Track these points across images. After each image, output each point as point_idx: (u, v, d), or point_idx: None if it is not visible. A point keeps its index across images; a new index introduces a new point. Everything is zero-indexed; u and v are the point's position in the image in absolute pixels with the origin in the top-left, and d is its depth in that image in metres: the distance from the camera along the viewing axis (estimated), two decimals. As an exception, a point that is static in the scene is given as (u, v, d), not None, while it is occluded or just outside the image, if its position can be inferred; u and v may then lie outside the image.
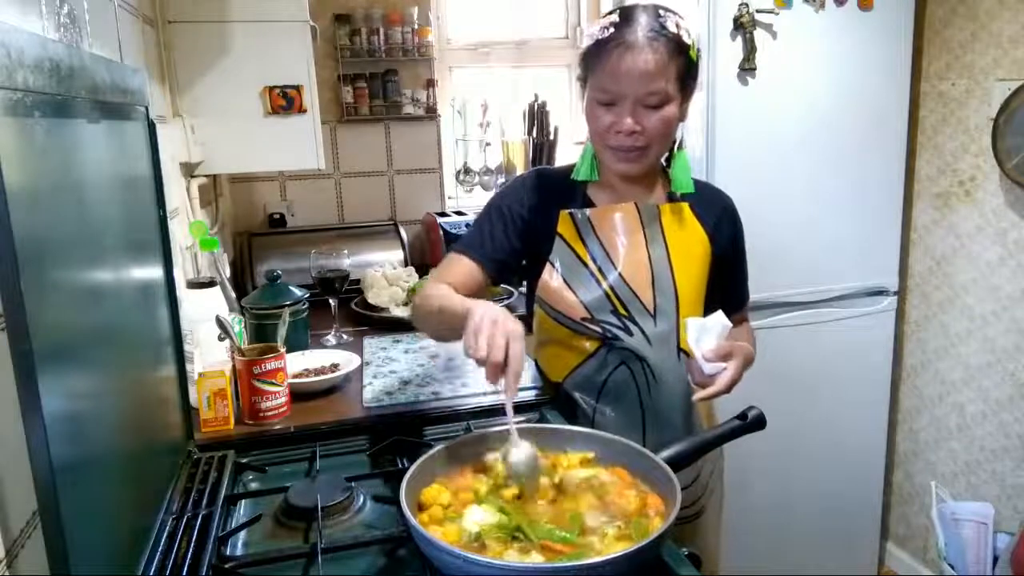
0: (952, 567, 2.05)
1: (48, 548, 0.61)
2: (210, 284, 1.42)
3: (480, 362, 0.95)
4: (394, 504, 0.99)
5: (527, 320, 1.30)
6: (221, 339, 1.32)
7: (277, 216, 2.56)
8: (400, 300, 2.04)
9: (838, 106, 2.11)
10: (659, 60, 1.15)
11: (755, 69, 2.00)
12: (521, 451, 0.97)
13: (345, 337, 1.86)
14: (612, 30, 1.18)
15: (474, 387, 1.48)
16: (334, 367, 1.54)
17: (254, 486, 1.16)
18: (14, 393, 0.59)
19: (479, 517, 0.89)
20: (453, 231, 2.43)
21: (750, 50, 1.99)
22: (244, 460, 1.19)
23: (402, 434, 1.26)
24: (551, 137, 2.66)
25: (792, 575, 2.30)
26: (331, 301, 1.89)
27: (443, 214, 2.60)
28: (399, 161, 2.68)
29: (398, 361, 1.66)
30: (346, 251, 1.94)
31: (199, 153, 1.77)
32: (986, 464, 2.20)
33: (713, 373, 1.13)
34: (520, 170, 2.67)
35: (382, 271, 2.11)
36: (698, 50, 1.23)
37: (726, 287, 1.36)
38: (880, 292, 2.29)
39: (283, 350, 1.34)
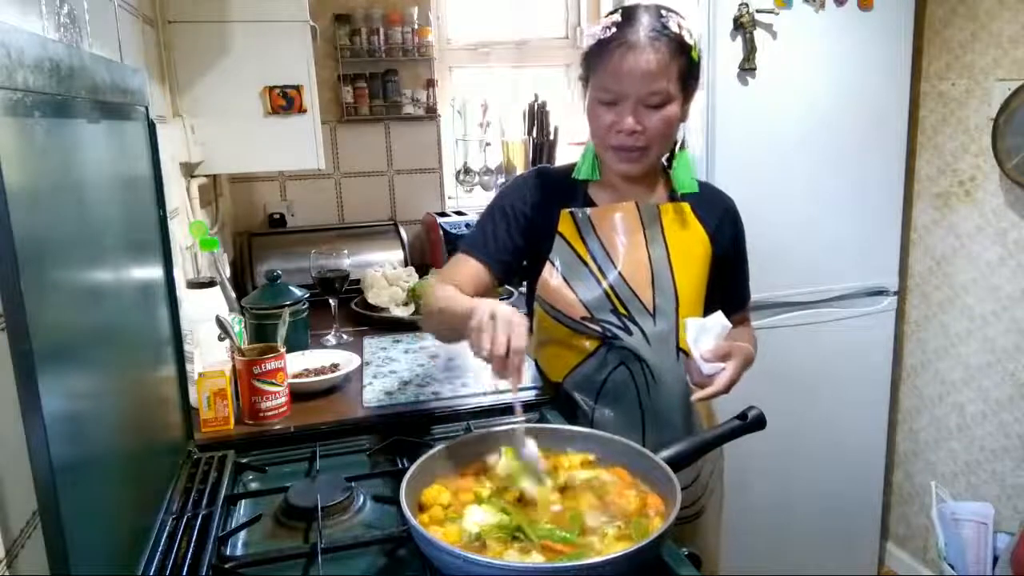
0: (952, 567, 2.05)
1: (48, 548, 0.61)
2: (210, 284, 1.42)
3: (486, 359, 0.95)
4: (394, 504, 1.00)
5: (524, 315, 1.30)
6: (221, 339, 1.33)
7: (277, 216, 2.56)
8: (400, 300, 2.04)
9: (838, 106, 2.11)
10: (661, 60, 1.15)
11: (755, 69, 2.00)
12: (529, 450, 0.98)
13: (345, 337, 1.86)
14: (614, 30, 1.18)
15: (474, 387, 1.48)
16: (334, 367, 1.54)
17: (254, 486, 1.16)
18: (14, 393, 0.59)
19: (479, 517, 0.89)
20: (453, 231, 2.43)
21: (750, 50, 1.99)
22: (244, 460, 1.19)
23: (402, 434, 1.26)
24: (551, 137, 2.66)
25: (792, 575, 2.30)
26: (331, 301, 1.89)
27: (443, 214, 2.60)
28: (399, 161, 2.68)
29: (398, 361, 1.66)
30: (346, 251, 1.94)
31: (199, 153, 1.77)
32: (986, 464, 2.20)
33: (712, 373, 1.13)
34: (520, 170, 2.67)
35: (382, 271, 2.11)
36: (699, 50, 1.23)
37: (727, 288, 1.36)
38: (880, 292, 2.29)
39: (283, 350, 1.34)
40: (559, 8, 2.83)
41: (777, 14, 1.99)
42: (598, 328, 1.26)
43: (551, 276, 1.28)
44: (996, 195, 2.08)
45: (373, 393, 1.46)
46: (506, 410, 1.35)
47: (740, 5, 1.96)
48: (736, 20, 1.97)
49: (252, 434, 1.29)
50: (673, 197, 1.33)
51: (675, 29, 1.17)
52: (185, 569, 0.89)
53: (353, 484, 1.08)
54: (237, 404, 1.34)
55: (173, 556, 0.91)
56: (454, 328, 1.10)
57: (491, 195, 2.71)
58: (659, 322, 1.27)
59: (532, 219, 1.30)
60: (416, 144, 2.68)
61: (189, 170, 1.77)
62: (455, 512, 0.91)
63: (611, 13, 1.24)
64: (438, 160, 2.71)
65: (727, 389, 1.14)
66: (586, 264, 1.28)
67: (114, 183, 0.93)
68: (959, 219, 2.20)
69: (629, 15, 1.19)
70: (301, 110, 1.84)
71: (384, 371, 1.59)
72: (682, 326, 1.22)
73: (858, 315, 2.25)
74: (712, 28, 1.97)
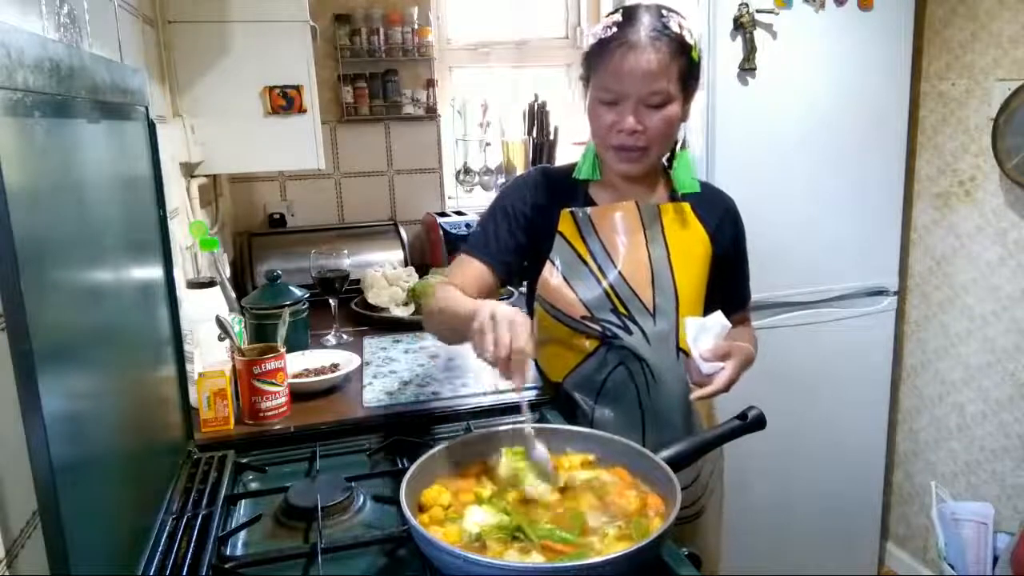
0: (952, 567, 2.05)
1: (48, 548, 0.61)
2: (210, 284, 1.42)
3: (489, 361, 0.96)
4: (394, 504, 1.00)
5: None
6: (221, 339, 1.32)
7: (277, 216, 2.56)
8: (400, 300, 2.04)
9: (838, 106, 2.11)
10: (661, 60, 1.16)
11: (755, 69, 2.00)
12: (540, 452, 0.98)
13: (345, 337, 1.86)
14: (615, 29, 1.18)
15: (474, 387, 1.48)
16: (334, 367, 1.54)
17: (254, 486, 1.16)
18: (14, 393, 0.59)
19: (479, 518, 0.89)
20: (453, 231, 2.43)
21: (750, 50, 1.99)
22: (244, 460, 1.19)
23: (402, 434, 1.26)
24: (551, 137, 2.66)
25: (792, 575, 2.30)
26: (331, 301, 1.89)
27: (443, 214, 2.60)
28: (399, 161, 2.68)
29: (398, 361, 1.66)
30: (346, 251, 1.94)
31: (199, 153, 1.77)
32: (986, 464, 2.20)
33: (711, 372, 1.14)
34: (520, 170, 2.67)
35: (382, 271, 2.11)
36: (699, 50, 1.23)
37: (727, 288, 1.36)
38: (880, 292, 2.29)
39: (283, 350, 1.34)
40: (559, 8, 2.83)
41: (777, 14, 1.99)
42: (598, 327, 1.26)
43: (551, 275, 1.28)
44: (996, 195, 2.08)
45: (373, 393, 1.46)
46: (506, 410, 1.35)
47: (740, 5, 1.96)
48: (736, 20, 1.97)
49: (252, 434, 1.29)
50: (674, 197, 1.33)
51: (676, 29, 1.18)
52: (185, 569, 0.89)
53: (353, 484, 1.08)
54: (237, 404, 1.34)
55: (173, 556, 0.91)
56: (456, 329, 1.10)
57: (491, 195, 2.72)
58: (659, 322, 1.27)
59: (533, 219, 1.30)
60: (416, 144, 2.68)
61: (189, 170, 1.77)
62: (455, 512, 0.91)
63: (612, 13, 1.24)
64: (438, 160, 2.71)
65: (726, 388, 1.14)
66: (586, 263, 1.28)
67: (114, 183, 0.93)
68: (959, 219, 2.20)
69: (630, 15, 1.19)
70: (301, 110, 1.84)
71: (384, 371, 1.59)
72: (682, 325, 1.23)
73: (858, 315, 2.25)
74: (712, 28, 1.97)
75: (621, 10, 1.21)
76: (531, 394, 1.36)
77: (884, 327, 2.33)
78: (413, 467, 0.94)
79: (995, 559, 2.00)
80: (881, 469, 2.44)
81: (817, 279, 2.19)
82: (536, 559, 0.81)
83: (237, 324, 1.42)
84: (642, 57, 1.15)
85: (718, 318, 1.16)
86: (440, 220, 2.48)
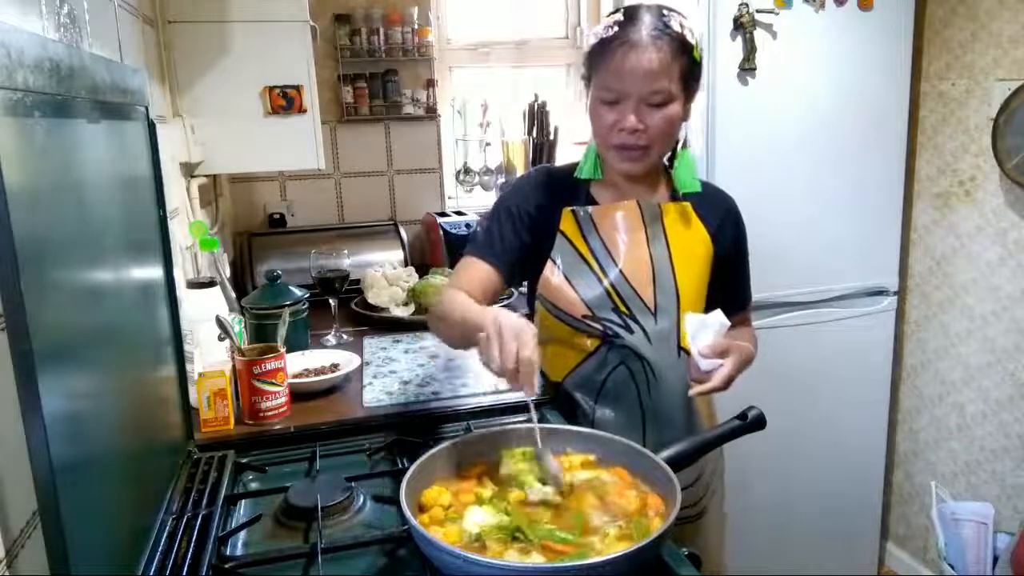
0: (952, 567, 2.05)
1: (48, 548, 0.61)
2: (210, 284, 1.42)
3: (497, 372, 0.96)
4: (394, 504, 1.00)
5: (529, 320, 1.30)
6: (221, 339, 1.32)
7: (277, 216, 2.56)
8: (400, 300, 2.04)
9: (838, 106, 2.11)
10: (663, 59, 1.16)
11: (755, 69, 2.00)
12: (551, 464, 0.97)
13: (345, 337, 1.86)
14: (616, 29, 1.18)
15: (474, 387, 1.48)
16: (334, 367, 1.54)
17: (254, 486, 1.15)
18: (14, 393, 0.59)
19: (479, 518, 0.89)
20: (453, 231, 2.43)
21: (750, 50, 1.99)
22: (244, 460, 1.19)
23: (402, 434, 1.26)
24: (551, 137, 2.66)
25: (792, 575, 2.30)
26: (331, 301, 1.89)
27: (443, 214, 2.60)
28: (399, 161, 2.68)
29: (398, 361, 1.66)
30: (346, 251, 1.94)
31: (199, 153, 1.77)
32: (986, 464, 2.20)
33: (709, 369, 1.14)
34: (520, 170, 2.67)
35: (382, 271, 2.11)
36: (701, 50, 1.23)
37: (728, 288, 1.36)
38: (880, 292, 2.29)
39: (283, 350, 1.34)
40: (559, 8, 2.83)
41: (777, 14, 1.99)
42: (599, 326, 1.26)
43: (552, 274, 1.28)
44: (996, 195, 2.08)
45: (373, 393, 1.46)
46: (506, 410, 1.35)
47: (740, 5, 1.96)
48: (736, 20, 1.97)
49: (252, 434, 1.28)
50: (675, 197, 1.33)
51: (677, 28, 1.18)
52: (185, 569, 0.89)
53: (353, 484, 1.08)
54: (237, 404, 1.34)
55: (173, 556, 0.91)
56: (463, 335, 1.11)
57: (491, 195, 2.72)
58: (660, 320, 1.27)
59: (536, 218, 1.30)
60: (416, 144, 2.68)
61: (189, 170, 1.77)
62: (455, 513, 0.91)
63: (613, 12, 1.24)
64: (438, 160, 2.71)
65: (725, 386, 1.14)
66: (587, 262, 1.28)
67: (114, 183, 0.93)
68: (959, 219, 2.20)
69: (631, 14, 1.19)
70: (301, 110, 1.84)
71: (384, 371, 1.59)
72: (683, 322, 1.22)
73: (858, 315, 2.25)
74: (712, 28, 1.97)
75: (622, 10, 1.21)
76: (521, 395, 1.35)
77: (884, 327, 2.33)
78: (413, 467, 0.94)
79: (995, 559, 2.00)
80: (881, 469, 2.44)
81: (817, 279, 2.19)
82: (536, 559, 0.81)
83: (237, 324, 1.42)
84: (643, 56, 1.15)
85: (718, 316, 1.16)
86: (440, 220, 2.48)
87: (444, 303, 1.20)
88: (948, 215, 2.23)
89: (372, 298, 2.04)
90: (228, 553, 0.94)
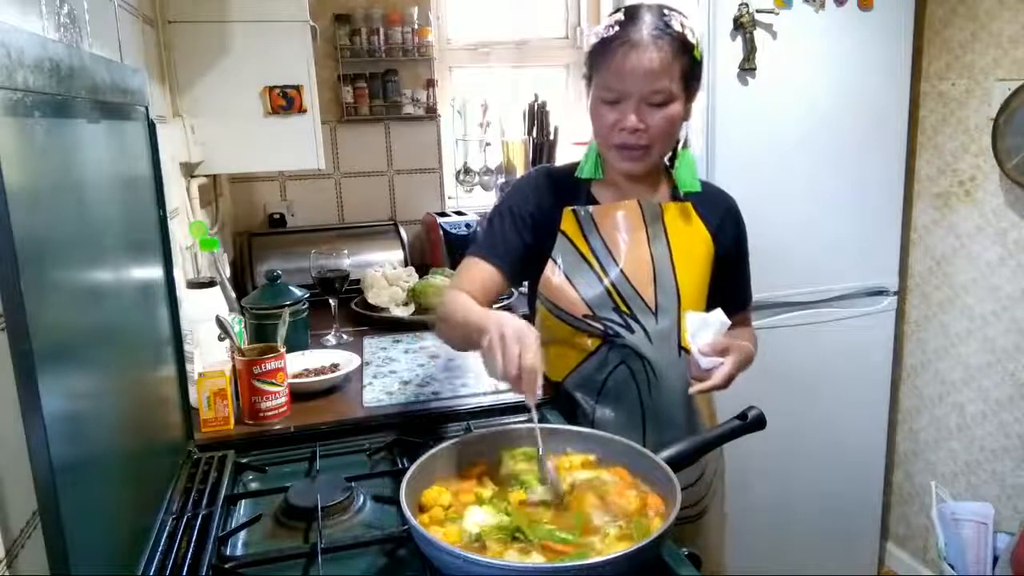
0: (952, 567, 2.05)
1: (48, 548, 0.61)
2: (210, 284, 1.42)
3: (500, 379, 0.96)
4: (394, 504, 1.00)
5: (529, 320, 1.31)
6: (221, 339, 1.32)
7: (277, 216, 2.56)
8: (400, 300, 2.04)
9: (838, 106, 2.11)
10: (663, 58, 1.16)
11: (755, 69, 2.00)
12: (550, 472, 0.97)
13: (345, 337, 1.86)
14: (617, 28, 1.18)
15: (474, 387, 1.48)
16: (334, 367, 1.54)
17: (254, 486, 1.15)
18: (14, 393, 0.59)
19: (479, 518, 0.89)
20: (453, 231, 2.43)
21: (750, 50, 1.99)
22: (244, 460, 1.19)
23: (402, 434, 1.26)
24: (551, 137, 2.66)
25: (792, 575, 2.30)
26: (331, 301, 1.89)
27: (443, 214, 2.60)
28: (399, 161, 2.68)
29: (398, 361, 1.66)
30: (346, 251, 1.94)
31: (199, 153, 1.77)
32: (986, 464, 2.20)
33: (709, 367, 1.14)
34: (520, 170, 2.67)
35: (382, 271, 2.11)
36: (701, 50, 1.23)
37: (728, 288, 1.36)
38: (880, 292, 2.29)
39: (283, 350, 1.34)
40: (559, 8, 2.83)
41: (777, 14, 1.99)
42: (600, 326, 1.26)
43: (553, 274, 1.28)
44: (996, 195, 2.08)
45: (373, 393, 1.46)
46: (506, 410, 1.35)
47: (740, 5, 1.96)
48: (736, 20, 1.97)
49: (252, 434, 1.28)
50: (676, 196, 1.33)
51: (678, 28, 1.18)
52: (185, 569, 0.89)
53: (353, 484, 1.08)
54: (237, 404, 1.34)
55: (173, 556, 0.91)
56: (464, 337, 1.11)
57: (491, 195, 2.72)
58: (661, 320, 1.27)
59: (537, 219, 1.30)
60: (416, 144, 2.68)
61: (189, 170, 1.77)
62: (455, 513, 0.91)
63: (614, 12, 1.24)
64: (438, 160, 2.71)
65: (725, 384, 1.14)
66: (588, 262, 1.28)
67: (114, 183, 0.93)
68: (959, 219, 2.20)
69: (632, 14, 1.19)
70: (301, 110, 1.84)
71: (384, 371, 1.59)
72: (683, 320, 1.23)
73: (858, 315, 2.25)
74: (712, 28, 1.97)
75: (623, 9, 1.21)
76: (521, 395, 1.36)
77: (884, 327, 2.33)
78: (413, 467, 0.94)
79: (995, 559, 2.00)
80: (881, 469, 2.44)
81: (817, 279, 2.19)
82: (536, 559, 0.81)
83: (237, 324, 1.42)
84: (644, 56, 1.15)
85: (719, 314, 1.16)
86: (440, 220, 2.48)
87: (446, 304, 1.20)
88: (948, 215, 2.23)
89: (372, 298, 2.04)
90: (228, 553, 0.94)
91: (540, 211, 1.30)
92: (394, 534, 0.95)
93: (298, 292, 1.70)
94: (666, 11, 1.20)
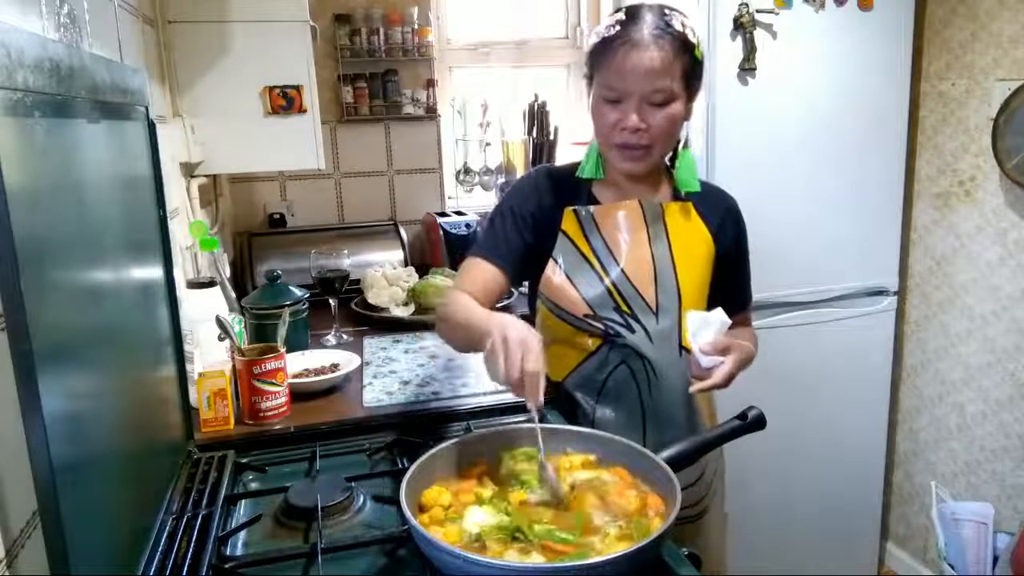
0: (952, 567, 2.05)
1: (48, 548, 0.61)
2: (210, 284, 1.42)
3: (503, 383, 0.96)
4: (394, 504, 1.00)
5: (530, 320, 1.31)
6: (221, 339, 1.32)
7: (277, 216, 2.56)
8: (400, 300, 2.04)
9: (838, 106, 2.11)
10: (664, 58, 1.16)
11: (755, 69, 2.00)
12: (550, 475, 0.97)
13: (345, 337, 1.86)
14: (618, 28, 1.18)
15: (474, 387, 1.48)
16: (334, 367, 1.54)
17: (254, 486, 1.15)
18: (14, 393, 0.59)
19: (479, 518, 0.89)
20: (453, 231, 2.43)
21: (750, 50, 1.99)
22: (244, 460, 1.19)
23: (402, 434, 1.26)
24: (551, 137, 2.66)
25: (792, 575, 2.30)
26: (331, 301, 1.89)
27: (443, 214, 2.60)
28: (399, 161, 2.68)
29: (398, 361, 1.66)
30: (346, 251, 1.94)
31: (199, 153, 1.77)
32: (986, 464, 2.20)
33: (710, 366, 1.14)
34: (520, 170, 2.67)
35: (382, 271, 2.11)
36: (702, 50, 1.23)
37: (729, 288, 1.36)
38: (880, 292, 2.29)
39: (283, 350, 1.34)
40: (559, 8, 2.83)
41: (777, 14, 1.99)
42: (600, 325, 1.26)
43: (554, 274, 1.28)
44: (996, 195, 2.08)
45: (373, 393, 1.46)
46: (506, 410, 1.35)
47: (740, 5, 1.96)
48: (736, 20, 1.97)
49: (252, 434, 1.28)
50: (676, 196, 1.33)
51: (679, 28, 1.18)
52: (185, 569, 0.89)
53: (353, 484, 1.08)
54: (237, 404, 1.34)
55: (173, 556, 0.91)
56: (466, 339, 1.11)
57: (491, 195, 2.72)
58: (662, 320, 1.27)
59: (538, 219, 1.30)
60: (416, 144, 2.68)
61: (189, 170, 1.77)
62: (455, 513, 0.91)
63: (615, 12, 1.24)
64: (438, 160, 2.71)
65: (725, 383, 1.14)
66: (589, 262, 1.28)
67: (114, 183, 0.93)
68: (959, 219, 2.20)
69: (633, 14, 1.19)
70: (301, 110, 1.84)
71: (384, 371, 1.59)
72: (684, 319, 1.23)
73: (858, 315, 2.25)
74: (712, 28, 1.97)
75: (624, 9, 1.22)
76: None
77: (884, 327, 2.33)
78: (413, 467, 0.94)
79: (995, 559, 2.00)
80: (881, 469, 2.44)
81: (817, 279, 2.19)
82: (536, 559, 0.81)
83: (237, 324, 1.42)
84: (645, 55, 1.15)
85: (720, 313, 1.16)
86: (440, 220, 2.48)
87: (448, 305, 1.20)
88: (948, 215, 2.23)
89: (372, 298, 2.04)
90: (228, 553, 0.94)
91: (541, 211, 1.30)
92: (394, 534, 0.95)
93: (298, 292, 1.70)
94: (667, 11, 1.20)
